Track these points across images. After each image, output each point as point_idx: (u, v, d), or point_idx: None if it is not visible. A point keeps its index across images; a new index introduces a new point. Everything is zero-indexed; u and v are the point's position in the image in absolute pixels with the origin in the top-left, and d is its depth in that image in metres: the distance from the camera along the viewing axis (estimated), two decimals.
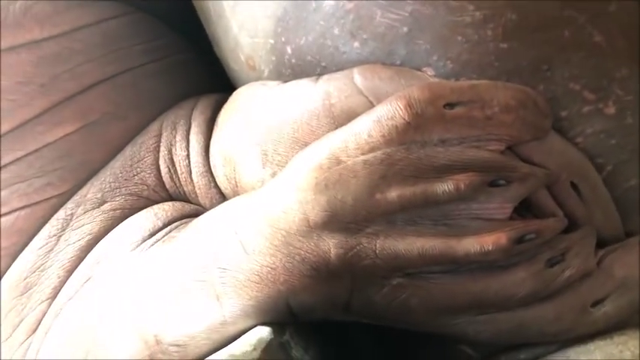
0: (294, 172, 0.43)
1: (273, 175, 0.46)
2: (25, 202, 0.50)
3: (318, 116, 0.44)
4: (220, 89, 0.56)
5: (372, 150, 0.42)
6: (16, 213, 0.50)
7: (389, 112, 0.42)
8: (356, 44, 0.45)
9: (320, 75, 0.47)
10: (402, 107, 0.42)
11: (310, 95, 0.45)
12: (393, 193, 0.42)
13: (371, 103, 0.44)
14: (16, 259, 0.50)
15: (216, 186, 0.50)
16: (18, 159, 0.50)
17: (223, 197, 0.50)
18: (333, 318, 0.45)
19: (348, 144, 0.43)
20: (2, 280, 0.50)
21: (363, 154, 0.42)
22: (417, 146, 0.42)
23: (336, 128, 0.44)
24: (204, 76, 0.57)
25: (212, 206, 0.50)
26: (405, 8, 0.44)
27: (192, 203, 0.51)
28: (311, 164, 0.43)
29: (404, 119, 0.42)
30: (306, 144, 0.45)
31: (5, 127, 0.49)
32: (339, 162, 0.43)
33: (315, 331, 0.47)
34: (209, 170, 0.50)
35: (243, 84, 0.52)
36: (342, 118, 0.44)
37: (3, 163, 0.49)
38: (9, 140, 0.49)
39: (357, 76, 0.44)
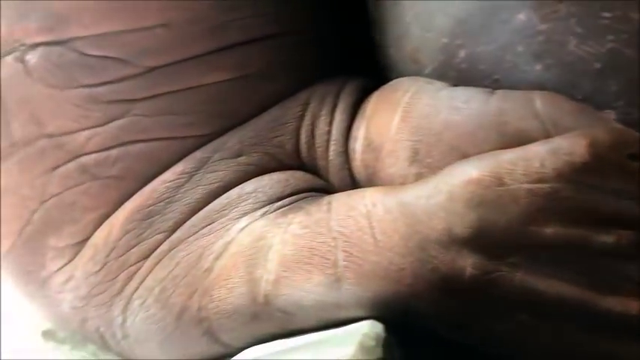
0: (450, 179, 0.35)
1: (418, 175, 0.38)
2: (166, 134, 0.42)
3: (486, 130, 0.36)
4: (357, 71, 0.48)
5: (540, 180, 0.33)
6: (156, 143, 0.42)
7: (569, 147, 0.33)
8: (538, 67, 0.36)
9: (489, 87, 0.38)
10: (583, 145, 0.33)
11: (483, 107, 0.36)
12: (549, 230, 0.33)
13: (547, 131, 0.35)
14: (144, 185, 0.42)
15: (349, 168, 0.42)
16: (171, 92, 0.41)
17: (353, 181, 0.42)
18: (443, 333, 0.37)
19: (516, 167, 0.34)
20: (128, 201, 0.43)
21: (529, 182, 0.34)
22: (587, 189, 0.33)
23: (502, 147, 0.35)
24: (348, 54, 0.49)
25: (340, 187, 0.42)
26: (604, 44, 0.34)
27: (321, 178, 0.43)
28: (471, 177, 0.34)
29: (583, 158, 0.33)
30: (464, 154, 0.36)
31: (166, 59, 0.41)
32: (501, 183, 0.34)
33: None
34: (346, 151, 0.42)
35: (398, 74, 0.43)
36: (511, 139, 0.35)
37: (156, 92, 0.41)
38: (167, 72, 0.41)
39: (538, 100, 0.35)
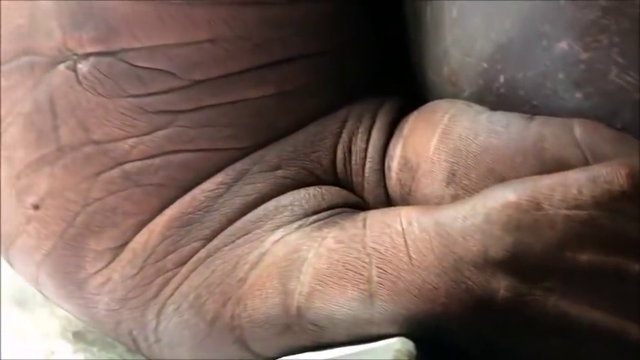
0: (488, 201, 0.34)
1: (455, 196, 0.37)
2: (208, 146, 0.42)
3: (525, 155, 0.35)
4: (395, 90, 0.48)
5: (577, 207, 0.33)
6: (197, 153, 0.42)
7: (608, 175, 0.33)
8: (578, 95, 0.36)
9: (528, 113, 0.37)
10: (622, 174, 0.32)
11: (522, 132, 0.36)
12: (584, 257, 0.33)
13: (586, 159, 0.34)
14: (184, 194, 0.42)
15: (385, 186, 0.41)
16: (214, 105, 0.41)
17: (388, 199, 0.41)
18: (473, 352, 0.36)
19: (554, 193, 0.33)
20: (168, 209, 0.42)
21: (567, 208, 0.33)
22: (624, 218, 0.33)
23: (540, 172, 0.35)
24: (386, 73, 0.48)
25: (375, 204, 0.41)
26: None
27: (356, 195, 0.42)
28: (508, 200, 0.34)
29: (621, 187, 0.32)
30: (501, 178, 0.36)
31: (212, 73, 0.41)
32: (539, 208, 0.33)
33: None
34: (382, 169, 0.41)
35: (436, 95, 0.43)
36: (550, 164, 0.35)
37: (201, 105, 0.41)
38: (212, 86, 0.41)
39: (578, 128, 0.35)
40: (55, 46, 0.41)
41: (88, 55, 0.41)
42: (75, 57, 0.41)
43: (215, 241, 0.41)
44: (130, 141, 0.41)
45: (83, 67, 0.41)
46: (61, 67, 0.41)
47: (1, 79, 0.42)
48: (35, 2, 0.41)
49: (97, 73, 0.41)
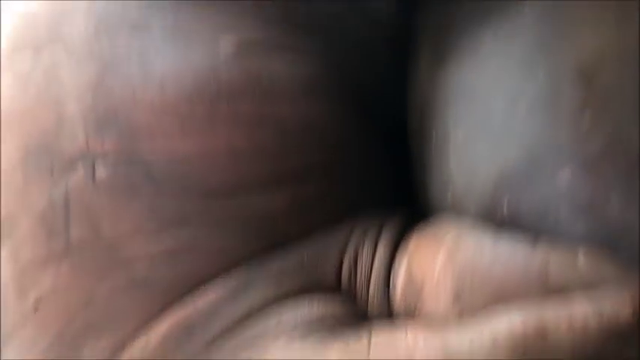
0: (495, 325, 0.34)
1: (460, 313, 0.37)
2: (215, 250, 0.41)
3: (530, 281, 0.35)
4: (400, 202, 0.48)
5: (584, 339, 0.33)
6: (204, 257, 0.41)
7: (613, 307, 0.33)
8: (580, 223, 0.36)
9: (532, 237, 0.38)
10: (628, 307, 0.33)
11: (527, 259, 0.36)
12: None
13: (591, 287, 0.35)
14: (188, 298, 0.41)
15: (389, 300, 0.41)
16: (225, 212, 0.41)
17: (392, 312, 0.41)
18: None
19: (560, 323, 0.33)
20: (170, 312, 0.42)
21: (574, 338, 0.33)
22: (630, 347, 0.33)
23: (545, 296, 0.35)
24: (392, 186, 0.49)
25: (379, 317, 0.41)
26: None
27: (360, 306, 0.42)
28: (516, 328, 0.34)
29: (627, 320, 0.33)
30: (506, 300, 0.35)
31: (225, 182, 0.41)
32: (545, 337, 0.33)
33: None
34: (387, 284, 0.41)
35: (438, 213, 0.43)
36: (555, 291, 0.35)
37: (212, 211, 0.41)
38: (225, 193, 0.41)
39: (582, 257, 0.35)
40: (77, 147, 0.41)
41: (107, 158, 0.41)
42: (94, 158, 0.41)
43: (216, 348, 0.40)
44: (139, 243, 0.41)
45: (101, 168, 0.41)
46: (80, 167, 0.41)
47: (19, 176, 0.43)
48: (62, 108, 0.42)
49: (114, 175, 0.41)
